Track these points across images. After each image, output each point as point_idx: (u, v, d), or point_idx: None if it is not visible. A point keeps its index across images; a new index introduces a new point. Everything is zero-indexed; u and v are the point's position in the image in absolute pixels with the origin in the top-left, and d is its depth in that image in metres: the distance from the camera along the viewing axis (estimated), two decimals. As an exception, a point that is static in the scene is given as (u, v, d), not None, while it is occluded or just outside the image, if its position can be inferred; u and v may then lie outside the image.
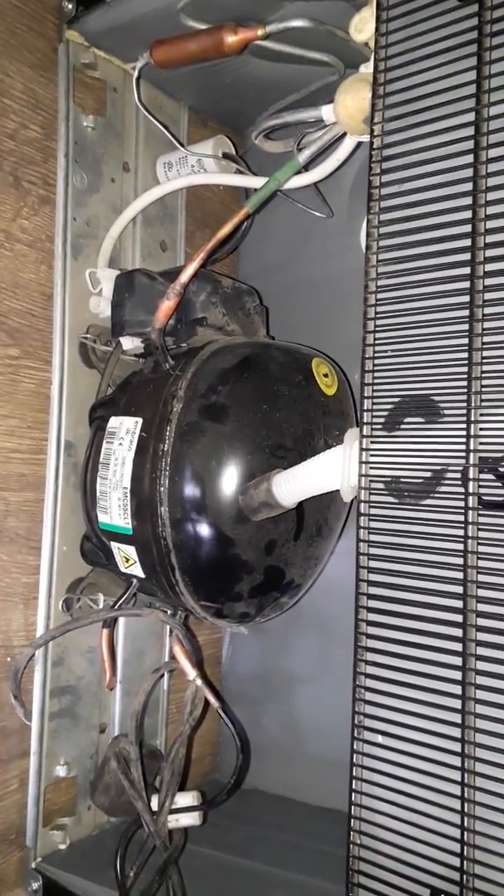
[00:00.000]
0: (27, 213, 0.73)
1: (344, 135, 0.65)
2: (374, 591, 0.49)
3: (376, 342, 0.50)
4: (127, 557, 0.67)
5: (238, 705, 0.94)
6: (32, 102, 0.73)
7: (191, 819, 0.70)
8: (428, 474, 0.48)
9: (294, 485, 0.57)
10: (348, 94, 0.58)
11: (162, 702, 0.86)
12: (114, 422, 0.69)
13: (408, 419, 0.49)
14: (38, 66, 0.73)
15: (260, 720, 0.93)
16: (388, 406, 0.50)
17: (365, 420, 0.50)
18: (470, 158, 0.46)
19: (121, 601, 0.68)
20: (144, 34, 0.71)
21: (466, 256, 0.46)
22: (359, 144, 0.65)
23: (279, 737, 0.91)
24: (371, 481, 0.49)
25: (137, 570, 0.67)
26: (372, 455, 0.49)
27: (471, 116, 0.47)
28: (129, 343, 0.74)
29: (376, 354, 0.50)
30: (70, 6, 0.72)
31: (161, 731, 0.87)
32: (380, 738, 0.49)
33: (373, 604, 0.49)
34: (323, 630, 0.87)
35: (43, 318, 0.75)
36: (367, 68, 0.60)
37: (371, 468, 0.49)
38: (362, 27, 0.57)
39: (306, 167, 0.68)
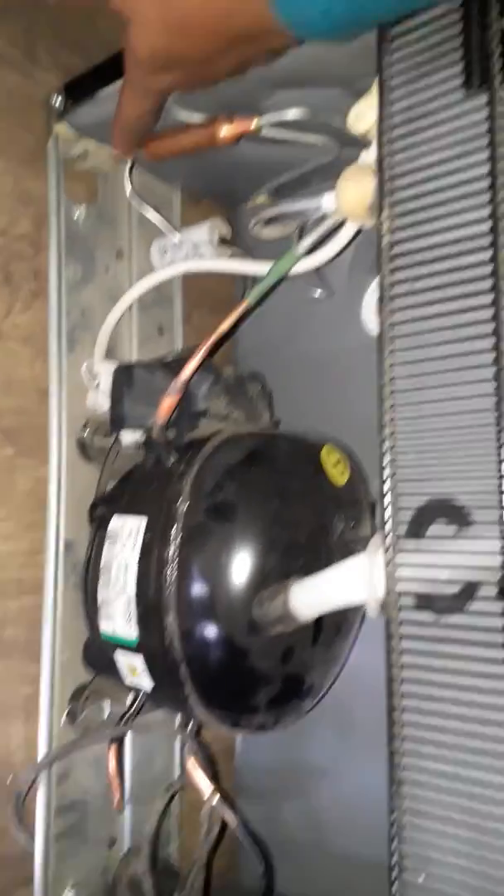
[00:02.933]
0: (20, 309, 0.71)
1: (345, 220, 0.63)
2: (409, 717, 0.45)
3: (396, 445, 0.47)
4: (133, 668, 0.63)
5: (254, 801, 0.89)
6: (22, 198, 0.71)
7: None
8: (460, 588, 0.44)
9: (313, 597, 0.53)
10: (350, 184, 0.57)
11: (174, 804, 0.81)
12: (115, 522, 0.66)
13: (435, 525, 0.46)
14: (26, 160, 0.72)
15: (279, 816, 0.87)
16: (413, 511, 0.47)
17: (388, 528, 0.47)
18: (488, 255, 0.44)
19: (127, 716, 0.64)
20: (135, 125, 0.70)
21: (489, 357, 0.44)
22: (360, 229, 0.64)
23: (301, 835, 0.86)
24: (399, 596, 0.46)
25: (145, 682, 0.63)
26: (398, 567, 0.46)
27: (486, 211, 0.45)
28: (129, 437, 0.72)
29: (396, 458, 0.47)
30: (59, 101, 0.71)
31: (174, 837, 0.81)
32: (420, 879, 0.44)
33: (409, 731, 0.45)
34: (342, 719, 0.83)
35: (38, 414, 0.72)
36: (367, 155, 0.59)
37: (398, 582, 0.46)
38: (361, 118, 0.56)
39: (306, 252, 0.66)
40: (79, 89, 0.70)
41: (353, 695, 0.77)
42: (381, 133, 0.50)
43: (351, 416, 0.81)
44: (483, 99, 0.45)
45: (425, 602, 0.45)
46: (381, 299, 0.47)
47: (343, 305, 0.84)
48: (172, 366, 0.70)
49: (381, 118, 0.50)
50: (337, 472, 0.67)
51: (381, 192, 0.48)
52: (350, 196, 0.56)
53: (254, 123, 0.62)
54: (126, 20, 0.50)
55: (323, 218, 0.63)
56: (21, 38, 0.72)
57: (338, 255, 0.66)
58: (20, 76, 0.72)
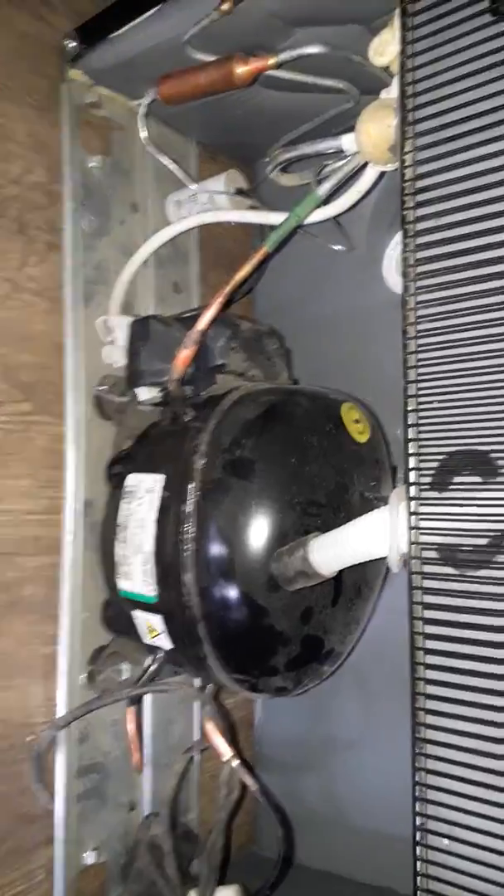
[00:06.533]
0: (34, 261, 0.69)
1: (366, 164, 0.60)
2: (431, 674, 0.43)
3: (419, 392, 0.45)
4: (152, 628, 0.62)
5: (274, 772, 0.88)
6: (36, 145, 0.69)
7: (232, 915, 0.64)
8: (486, 541, 0.42)
9: (334, 552, 0.51)
10: (371, 122, 0.54)
11: (194, 772, 0.80)
12: (132, 479, 0.65)
13: (460, 477, 0.44)
14: (40, 107, 0.70)
15: (298, 788, 0.86)
16: (437, 463, 0.44)
17: (411, 479, 0.45)
18: (516, 186, 0.42)
19: (145, 676, 0.63)
20: (150, 69, 0.67)
21: (519, 294, 0.41)
22: (382, 174, 0.61)
23: (320, 807, 0.84)
24: (422, 549, 0.44)
25: (163, 642, 0.62)
26: (422, 519, 0.44)
27: (515, 139, 0.42)
28: (146, 393, 0.70)
29: (420, 406, 0.45)
30: (72, 45, 0.69)
31: (194, 805, 0.81)
32: (445, 843, 0.43)
33: (431, 689, 0.43)
34: (364, 689, 0.81)
35: (55, 369, 0.71)
36: (388, 94, 0.56)
37: (421, 534, 0.44)
38: (383, 50, 0.53)
39: (326, 200, 0.63)
40: (92, 32, 0.68)
41: (374, 666, 0.76)
42: (403, 63, 0.47)
43: (371, 376, 0.78)
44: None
45: (450, 555, 0.43)
46: (405, 235, 0.44)
47: (363, 262, 0.81)
48: (189, 320, 0.68)
49: (404, 46, 0.47)
50: (357, 429, 0.64)
51: (404, 122, 0.46)
52: (372, 133, 0.53)
53: (271, 60, 0.59)
54: None
55: (343, 162, 0.60)
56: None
57: (358, 202, 0.63)
58: (32, 18, 0.69)
